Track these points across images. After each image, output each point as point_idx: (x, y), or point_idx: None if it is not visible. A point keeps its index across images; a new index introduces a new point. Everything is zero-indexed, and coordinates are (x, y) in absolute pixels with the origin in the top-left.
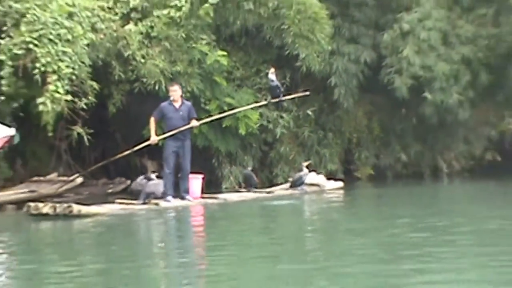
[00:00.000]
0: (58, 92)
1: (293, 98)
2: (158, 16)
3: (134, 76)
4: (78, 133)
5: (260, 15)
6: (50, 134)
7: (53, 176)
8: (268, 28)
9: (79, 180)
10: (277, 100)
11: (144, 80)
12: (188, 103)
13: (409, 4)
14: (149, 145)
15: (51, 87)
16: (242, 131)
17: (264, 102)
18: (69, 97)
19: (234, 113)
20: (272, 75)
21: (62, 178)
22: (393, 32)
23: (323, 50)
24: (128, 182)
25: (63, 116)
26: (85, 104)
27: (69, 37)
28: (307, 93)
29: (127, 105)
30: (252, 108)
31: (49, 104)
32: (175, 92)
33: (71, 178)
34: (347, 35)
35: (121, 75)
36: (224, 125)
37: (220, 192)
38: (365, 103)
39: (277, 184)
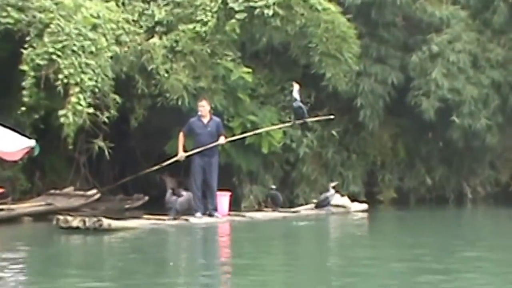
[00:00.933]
0: (80, 105)
1: (318, 120)
2: (183, 31)
3: (157, 90)
4: (99, 147)
5: (287, 33)
6: (70, 147)
7: (69, 189)
8: (295, 46)
9: (97, 195)
10: (301, 121)
11: (167, 95)
12: (217, 119)
13: (438, 26)
14: (176, 161)
15: (73, 99)
16: (264, 150)
17: (288, 124)
18: (91, 110)
19: (260, 132)
20: (296, 93)
21: (79, 192)
22: (421, 53)
23: (350, 70)
24: (146, 198)
25: (84, 129)
26: (107, 117)
27: (93, 49)
28: (332, 116)
29: (148, 120)
30: (275, 126)
31: (70, 116)
32: (203, 107)
33: (89, 193)
34: (374, 56)
35: (144, 89)
36: (246, 143)
37: (240, 210)
38: (391, 125)
39: (298, 205)
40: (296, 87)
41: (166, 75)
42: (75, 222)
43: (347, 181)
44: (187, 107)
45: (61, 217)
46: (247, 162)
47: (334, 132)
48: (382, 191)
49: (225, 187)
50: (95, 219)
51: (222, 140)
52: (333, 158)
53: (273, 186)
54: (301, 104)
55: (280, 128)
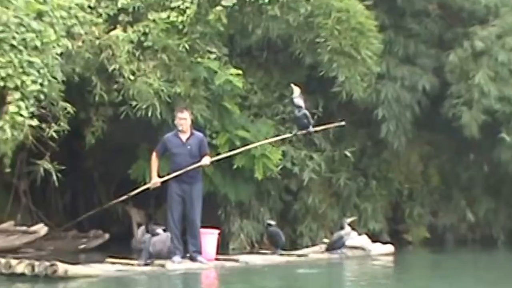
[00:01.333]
0: (21, 115)
1: (325, 129)
2: (154, 20)
3: (120, 97)
4: (45, 170)
5: (288, 24)
6: (7, 169)
7: (7, 225)
8: (298, 40)
9: (43, 231)
10: (304, 132)
11: (133, 103)
12: (199, 135)
13: (484, 16)
14: (147, 189)
15: (11, 108)
16: (258, 175)
17: (289, 135)
18: (34, 122)
19: (253, 149)
20: (298, 98)
21: (20, 228)
22: (462, 51)
23: (369, 72)
24: (107, 236)
25: (25, 146)
26: (55, 131)
27: (38, 43)
28: (343, 123)
29: (109, 135)
30: (271, 143)
31: (8, 130)
32: (185, 120)
33: (33, 229)
34: (401, 54)
35: (103, 96)
36: (235, 166)
37: (228, 253)
38: (421, 143)
39: (304, 246)
40: (296, 91)
41: (131, 77)
42: (21, 267)
43: (366, 215)
44: (158, 119)
45: (2, 261)
46: (236, 190)
47: (347, 153)
48: (410, 229)
49: (208, 223)
50: (47, 263)
51: (206, 160)
52: (346, 186)
53: (272, 222)
54: (306, 111)
55: (278, 141)
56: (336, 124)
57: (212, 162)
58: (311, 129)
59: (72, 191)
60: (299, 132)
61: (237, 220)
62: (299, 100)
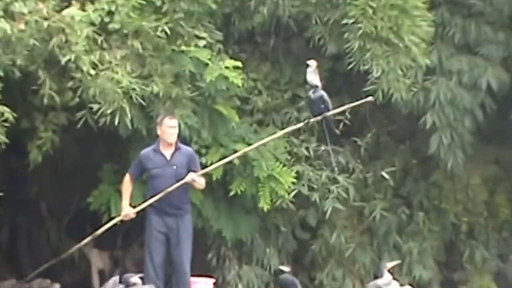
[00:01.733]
0: None
1: (346, 111)
2: None
3: (76, 99)
4: None
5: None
6: None
7: None
8: (318, 22)
9: None
10: (319, 118)
11: (94, 106)
12: (188, 150)
13: None
14: (116, 224)
15: None
16: (264, 204)
17: (300, 124)
18: None
19: (250, 150)
20: (312, 74)
21: None
22: None
23: (415, 65)
24: (57, 286)
25: None
26: None
27: None
28: (371, 98)
29: (61, 150)
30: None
31: None
32: (175, 129)
33: None
34: (458, 40)
35: (54, 97)
36: (232, 193)
37: None
38: (485, 162)
39: None
40: (312, 65)
41: (92, 72)
42: None
43: (410, 259)
44: (129, 129)
45: None
46: (234, 225)
47: (385, 174)
48: (470, 279)
49: (195, 270)
50: None
51: (192, 175)
52: (383, 219)
53: (285, 268)
54: (323, 93)
55: (284, 135)
56: (363, 101)
57: (202, 181)
58: (328, 112)
59: (10, 226)
60: (313, 119)
61: (234, 265)
62: (313, 77)
